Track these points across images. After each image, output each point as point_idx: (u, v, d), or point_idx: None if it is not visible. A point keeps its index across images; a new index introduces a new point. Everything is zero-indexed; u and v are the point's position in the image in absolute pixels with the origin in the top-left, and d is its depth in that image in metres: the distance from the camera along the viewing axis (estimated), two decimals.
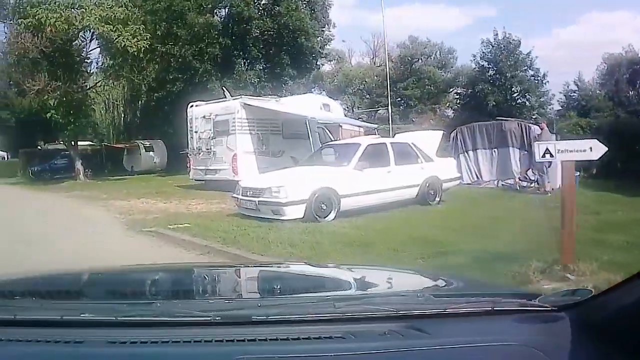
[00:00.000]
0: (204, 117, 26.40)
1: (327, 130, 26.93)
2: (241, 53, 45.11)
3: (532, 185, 22.46)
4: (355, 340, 1.92)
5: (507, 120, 27.44)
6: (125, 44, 32.98)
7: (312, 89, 55.38)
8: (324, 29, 49.86)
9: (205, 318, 2.05)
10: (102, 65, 43.47)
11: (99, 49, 40.49)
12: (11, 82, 53.15)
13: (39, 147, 56.89)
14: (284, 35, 45.68)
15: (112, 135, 58.21)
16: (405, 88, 67.45)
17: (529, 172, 22.87)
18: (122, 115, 58.35)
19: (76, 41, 37.92)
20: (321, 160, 17.94)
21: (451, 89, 76.66)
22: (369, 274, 3.65)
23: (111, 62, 40.02)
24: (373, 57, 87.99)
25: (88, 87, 40.41)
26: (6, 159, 64.27)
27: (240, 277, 3.81)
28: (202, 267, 5.40)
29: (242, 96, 26.81)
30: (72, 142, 39.64)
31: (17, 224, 16.59)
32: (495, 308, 2.17)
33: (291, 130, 25.63)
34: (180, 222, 15.67)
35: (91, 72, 42.56)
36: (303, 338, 1.94)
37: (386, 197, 16.71)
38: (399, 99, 67.86)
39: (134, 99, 53.32)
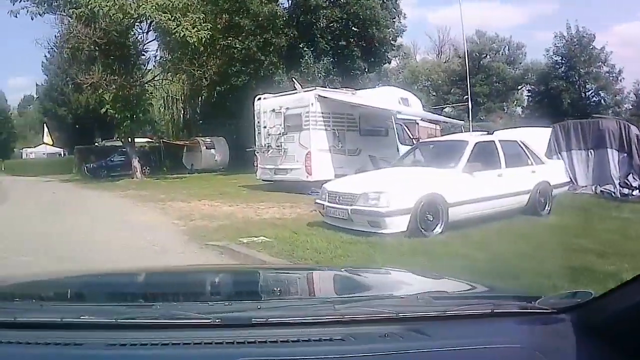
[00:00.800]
0: (273, 110, 23.85)
1: (405, 127, 24.74)
2: (308, 44, 42.44)
3: (633, 192, 18.93)
4: (355, 342, 1.90)
5: (604, 118, 24.71)
6: (184, 34, 30.93)
7: (377, 86, 52.23)
8: (394, 19, 46.66)
9: (205, 320, 2.01)
10: (160, 59, 41.72)
11: (156, 42, 39.29)
12: (68, 79, 56.17)
13: (96, 144, 56.53)
14: (354, 26, 43.06)
15: (171, 132, 56.83)
16: (474, 85, 62.88)
17: (629, 178, 19.45)
18: (182, 112, 56.66)
19: (132, 33, 36.35)
20: (418, 161, 15.03)
21: (520, 86, 73.57)
22: (368, 276, 3.66)
23: (170, 55, 38.29)
24: (438, 54, 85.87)
25: (145, 81, 38.81)
26: (62, 155, 64.35)
27: (240, 279, 3.77)
28: (202, 269, 5.04)
29: (316, 88, 24.31)
30: (129, 139, 38.09)
31: (59, 230, 14.38)
32: (495, 310, 2.15)
33: (369, 126, 23.73)
34: (253, 232, 12.96)
35: (148, 65, 41.36)
36: (303, 340, 1.90)
37: (496, 205, 13.61)
38: (466, 96, 64.20)
39: (193, 94, 51.05)
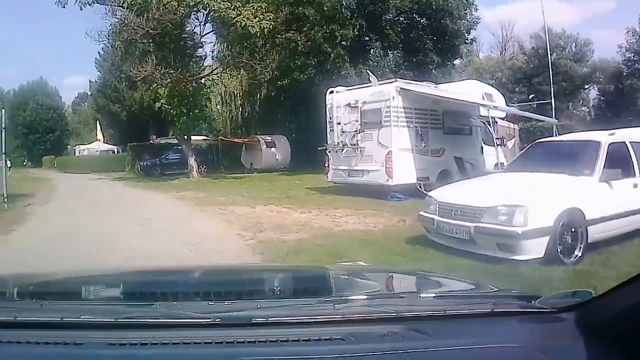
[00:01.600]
0: (348, 105, 21.29)
1: (488, 125, 22.44)
2: (376, 36, 39.83)
3: None
4: (355, 342, 1.92)
5: None
6: (245, 24, 28.76)
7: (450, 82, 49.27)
8: (466, 11, 43.21)
9: (205, 320, 2.03)
10: (217, 53, 40.29)
11: (214, 36, 37.72)
12: (121, 75, 56.46)
13: (150, 141, 55.03)
14: (425, 17, 40.27)
15: (229, 129, 54.36)
16: (541, 83, 59.19)
17: None
18: (239, 108, 54.16)
19: (188, 23, 34.57)
20: (540, 166, 11.49)
21: (587, 85, 70.04)
22: (369, 275, 3.75)
23: (228, 48, 36.55)
24: (502, 51, 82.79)
25: (202, 75, 36.74)
26: (115, 152, 63.20)
27: (240, 279, 3.71)
28: (202, 269, 4.83)
29: (397, 79, 21.65)
30: (185, 136, 36.08)
31: (97, 245, 11.78)
32: (495, 310, 2.16)
33: (453, 123, 21.55)
34: (340, 253, 10.28)
35: (205, 60, 39.36)
36: (303, 340, 1.92)
37: (633, 222, 10.63)
38: (532, 95, 60.79)
39: (252, 90, 49.06)
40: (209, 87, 36.82)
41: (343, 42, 38.92)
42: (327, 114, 22.52)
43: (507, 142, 24.25)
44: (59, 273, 4.03)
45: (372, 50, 39.01)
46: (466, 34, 43.51)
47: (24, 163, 72.87)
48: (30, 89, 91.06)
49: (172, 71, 31.94)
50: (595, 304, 2.05)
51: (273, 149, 42.63)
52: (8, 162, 53.99)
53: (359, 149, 20.70)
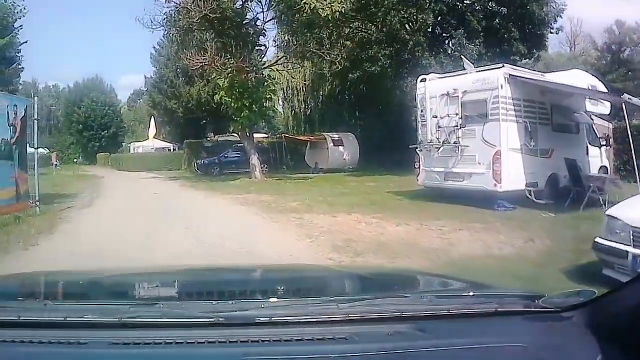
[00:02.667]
0: (446, 94, 17.87)
1: (593, 122, 19.87)
2: (458, 23, 35.79)
3: None
4: (359, 341, 1.92)
5: None
6: (314, 6, 25.96)
7: None
8: None
9: (208, 319, 2.02)
10: (280, 42, 36.75)
11: (277, 24, 34.26)
12: (178, 70, 55.04)
13: (207, 139, 53.11)
14: (510, 2, 35.89)
15: (291, 126, 52.42)
16: (614, 80, 53.41)
17: None
18: (303, 103, 51.62)
19: (249, 8, 31.95)
20: None
21: None
22: (372, 275, 3.85)
23: (293, 37, 33.12)
24: (572, 46, 78.56)
25: (265, 66, 34.28)
26: (171, 150, 61.50)
27: (244, 279, 3.76)
28: (206, 269, 4.87)
29: (505, 65, 18.00)
30: (247, 132, 32.93)
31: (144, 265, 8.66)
32: (499, 309, 2.17)
33: (561, 119, 18.37)
34: None
35: (268, 49, 36.17)
36: (307, 339, 1.93)
37: None
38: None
39: (316, 83, 46.62)
40: (274, 79, 34.01)
41: (422, 29, 35.52)
42: (418, 105, 19.24)
43: (611, 141, 20.75)
44: (63, 273, 4.25)
45: (453, 38, 35.45)
46: (553, 22, 39.26)
47: (75, 161, 71.38)
48: (85, 86, 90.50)
49: (232, 60, 29.15)
50: (599, 304, 2.05)
51: (340, 147, 39.91)
52: (55, 159, 53.24)
53: (459, 148, 17.38)
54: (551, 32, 40.75)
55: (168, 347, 1.87)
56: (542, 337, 2.04)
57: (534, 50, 38.94)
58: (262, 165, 32.69)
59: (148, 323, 2.02)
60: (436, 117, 17.96)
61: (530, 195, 15.82)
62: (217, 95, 31.74)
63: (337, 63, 33.96)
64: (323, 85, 47.20)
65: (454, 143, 17.45)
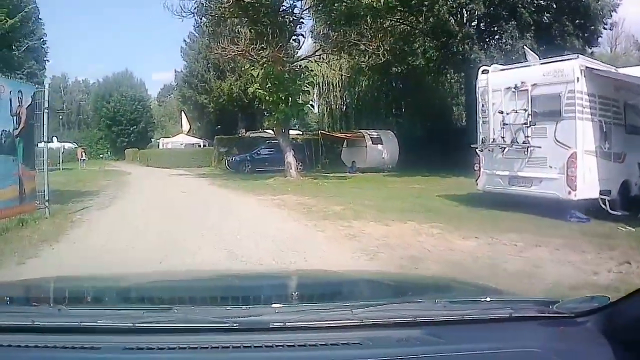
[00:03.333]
0: (513, 88, 15.67)
1: None
2: (509, 15, 33.40)
3: None
4: (372, 347, 1.91)
5: None
6: None
7: None
8: None
9: (223, 324, 2.02)
10: (318, 33, 35.61)
11: (314, 14, 32.67)
12: (209, 64, 54.23)
13: (239, 135, 52.53)
14: None
15: (327, 123, 50.48)
16: None
17: None
18: (339, 99, 49.67)
19: None
20: None
21: None
22: (386, 281, 3.85)
23: (332, 27, 31.27)
24: (613, 46, 75.91)
25: (302, 57, 32.62)
26: (201, 146, 60.22)
27: (257, 284, 3.79)
28: (220, 274, 4.88)
29: (579, 56, 15.91)
30: (282, 128, 30.87)
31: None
32: (513, 315, 2.16)
33: (634, 119, 16.05)
34: None
35: (304, 40, 34.36)
36: (320, 345, 1.93)
37: None
38: None
39: (355, 77, 44.06)
40: (311, 70, 31.90)
41: (471, 20, 33.57)
42: (479, 99, 17.02)
43: None
44: (77, 278, 4.39)
45: (505, 32, 32.79)
46: (608, 17, 36.84)
47: (101, 156, 70.49)
48: (115, 80, 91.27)
49: (267, 50, 27.51)
50: (613, 309, 2.05)
51: (379, 145, 37.73)
52: (80, 154, 52.14)
53: (527, 149, 15.24)
54: (604, 28, 38.39)
55: (182, 352, 1.86)
56: (557, 342, 2.02)
57: (587, 47, 36.53)
58: (298, 164, 30.84)
59: (162, 328, 2.01)
60: (502, 112, 15.79)
61: (605, 205, 13.80)
62: (250, 88, 30.02)
63: (379, 56, 31.68)
64: (360, 81, 45.22)
65: (522, 143, 15.27)
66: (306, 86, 30.55)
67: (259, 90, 28.62)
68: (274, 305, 2.57)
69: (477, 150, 16.96)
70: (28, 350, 1.89)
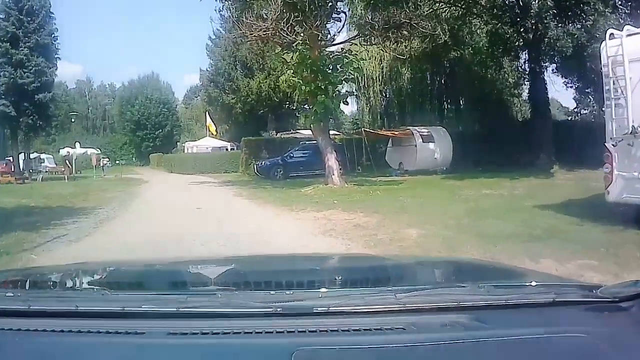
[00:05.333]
0: None
1: None
2: None
3: None
4: (416, 331, 1.89)
5: None
6: None
7: None
8: None
9: (266, 309, 2.01)
10: (357, 18, 30.02)
11: None
12: (237, 62, 51.92)
13: (269, 135, 49.98)
14: None
15: (367, 120, 46.00)
16: None
17: None
18: (380, 93, 44.97)
19: None
20: None
21: None
22: (428, 265, 3.83)
23: (373, 12, 26.32)
24: None
25: (342, 41, 28.57)
26: (228, 149, 56.85)
27: (301, 268, 3.69)
28: (263, 258, 4.91)
29: None
30: (322, 126, 26.16)
31: None
32: (557, 299, 2.10)
33: None
34: None
35: (347, 20, 29.24)
36: (364, 329, 1.89)
37: None
38: None
39: (398, 68, 40.43)
40: (355, 54, 26.74)
41: None
42: (609, 75, 12.01)
43: None
44: (120, 263, 4.35)
45: (585, 5, 27.42)
46: None
47: (117, 162, 66.95)
48: (140, 83, 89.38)
49: (302, 29, 23.31)
50: None
51: (431, 144, 33.55)
52: (96, 161, 48.73)
53: None
54: None
55: (225, 336, 1.84)
56: (601, 327, 1.94)
57: None
58: (340, 168, 26.13)
59: (206, 313, 1.99)
60: None
61: None
62: (283, 77, 26.47)
63: (434, 38, 27.58)
64: (403, 73, 41.43)
65: None
66: (350, 73, 25.69)
67: (293, 78, 24.34)
68: (317, 290, 2.57)
69: (607, 144, 11.94)
70: (72, 335, 1.85)
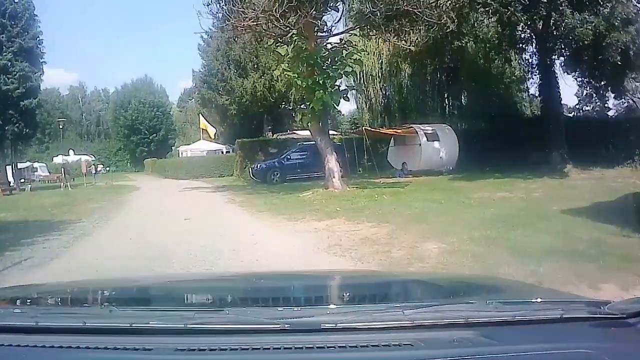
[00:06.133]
0: None
1: None
2: None
3: None
4: (424, 348, 1.90)
5: None
6: None
7: None
8: None
9: (274, 325, 2.03)
10: (354, 11, 27.64)
11: None
12: (229, 61, 51.23)
13: (265, 137, 48.46)
14: None
15: (366, 119, 44.82)
16: None
17: None
18: (379, 91, 43.51)
19: None
20: None
21: None
22: (436, 281, 3.84)
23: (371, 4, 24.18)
24: None
25: (341, 31, 27.28)
26: (224, 152, 55.78)
27: (309, 285, 3.73)
28: (271, 275, 4.95)
29: None
30: (320, 124, 24.67)
31: None
32: (564, 315, 2.12)
33: None
34: None
35: (344, 11, 27.33)
36: (372, 345, 1.90)
37: None
38: None
39: (398, 63, 38.98)
40: (355, 46, 25.23)
41: None
42: None
43: None
44: (128, 279, 4.42)
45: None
46: None
47: (108, 169, 65.49)
48: (134, 87, 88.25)
49: (296, 18, 21.46)
50: None
51: (435, 143, 31.90)
52: (86, 168, 47.32)
53: None
54: None
55: (234, 353, 1.86)
56: (608, 343, 1.96)
57: None
58: (341, 170, 24.58)
59: (214, 329, 2.01)
60: None
61: None
62: (277, 71, 24.24)
63: (441, 27, 25.69)
64: (403, 69, 39.94)
65: None
66: (350, 66, 24.06)
67: (289, 73, 22.65)
68: (325, 307, 2.61)
69: None
70: (79, 351, 1.88)
